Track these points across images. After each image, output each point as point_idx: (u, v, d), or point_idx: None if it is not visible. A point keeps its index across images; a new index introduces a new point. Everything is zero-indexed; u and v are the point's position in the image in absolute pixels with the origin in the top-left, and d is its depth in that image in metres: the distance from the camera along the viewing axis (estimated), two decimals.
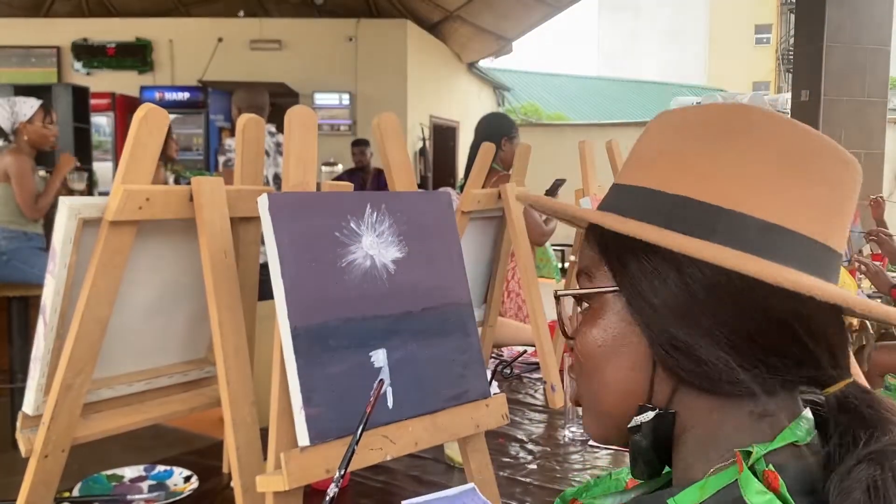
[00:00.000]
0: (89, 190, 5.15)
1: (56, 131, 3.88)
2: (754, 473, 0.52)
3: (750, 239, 0.55)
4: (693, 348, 0.56)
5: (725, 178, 0.57)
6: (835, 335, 0.58)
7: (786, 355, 0.56)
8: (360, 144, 6.55)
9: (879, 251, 4.47)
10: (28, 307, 3.64)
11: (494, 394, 1.22)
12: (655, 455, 0.61)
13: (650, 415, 0.59)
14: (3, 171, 3.60)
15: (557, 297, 0.67)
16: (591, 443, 1.60)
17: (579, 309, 0.65)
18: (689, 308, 0.56)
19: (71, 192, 3.91)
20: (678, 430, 0.60)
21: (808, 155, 0.58)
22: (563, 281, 2.18)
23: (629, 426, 0.61)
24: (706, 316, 0.56)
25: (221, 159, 3.95)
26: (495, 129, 3.13)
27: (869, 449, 0.52)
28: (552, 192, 3.29)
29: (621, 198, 0.63)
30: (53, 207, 3.40)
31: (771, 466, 0.52)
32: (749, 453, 0.53)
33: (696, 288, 0.56)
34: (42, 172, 4.14)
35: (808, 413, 0.58)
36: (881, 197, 4.67)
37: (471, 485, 1.03)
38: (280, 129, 1.33)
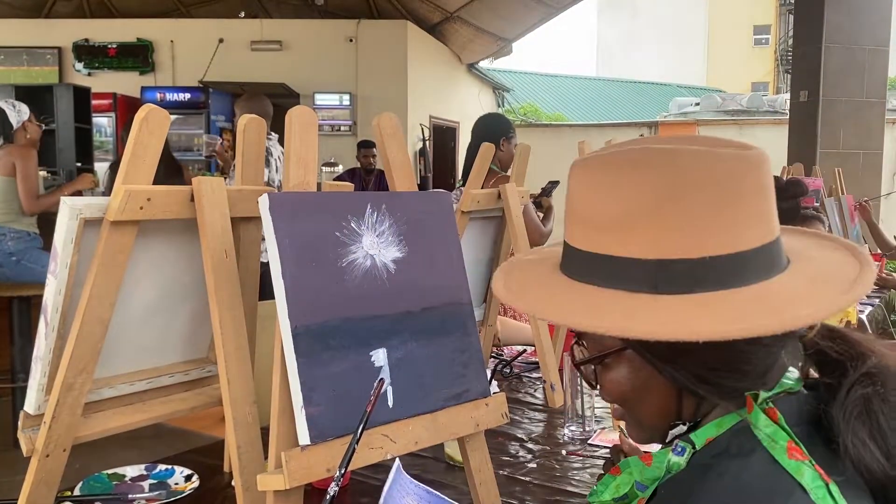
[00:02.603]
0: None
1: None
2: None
3: (723, 278, 0.65)
4: (706, 378, 0.68)
5: (698, 230, 0.65)
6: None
7: (770, 355, 0.69)
8: (366, 146, 6.40)
9: (878, 251, 4.50)
10: (30, 307, 3.64)
11: (494, 393, 1.22)
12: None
13: (682, 428, 0.76)
14: (10, 164, 3.64)
15: (578, 366, 0.77)
16: (590, 441, 1.61)
17: (592, 367, 0.76)
18: (695, 353, 0.66)
19: None
20: (698, 416, 0.74)
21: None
22: None
23: (667, 441, 0.76)
24: (708, 354, 0.66)
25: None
26: (493, 130, 3.08)
27: (856, 375, 0.66)
28: (546, 193, 3.28)
29: (600, 266, 0.68)
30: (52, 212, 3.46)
31: (770, 404, 0.67)
32: (757, 395, 0.67)
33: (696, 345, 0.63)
34: (43, 173, 4.25)
35: (792, 370, 0.71)
36: (866, 201, 4.75)
37: None
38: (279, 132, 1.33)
